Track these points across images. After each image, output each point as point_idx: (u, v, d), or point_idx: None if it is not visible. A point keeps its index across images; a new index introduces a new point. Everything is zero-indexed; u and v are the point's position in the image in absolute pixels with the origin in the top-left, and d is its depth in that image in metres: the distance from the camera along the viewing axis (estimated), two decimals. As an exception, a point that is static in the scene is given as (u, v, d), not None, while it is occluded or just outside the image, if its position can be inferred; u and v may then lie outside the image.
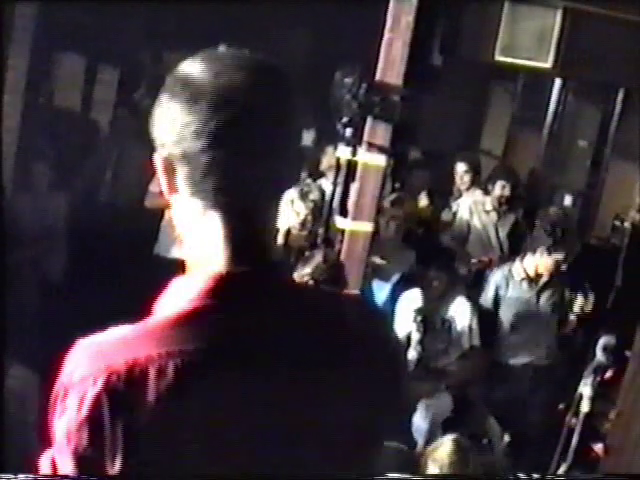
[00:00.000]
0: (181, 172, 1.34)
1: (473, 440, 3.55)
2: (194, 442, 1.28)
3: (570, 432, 4.02)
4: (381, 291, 5.68)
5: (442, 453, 3.42)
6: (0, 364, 3.30)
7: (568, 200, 7.64)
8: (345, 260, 4.51)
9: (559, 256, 5.26)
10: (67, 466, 1.31)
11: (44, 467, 1.35)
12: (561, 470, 4.00)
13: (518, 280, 5.42)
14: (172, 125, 1.32)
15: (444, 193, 7.23)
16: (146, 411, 1.26)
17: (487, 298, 5.50)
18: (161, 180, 1.38)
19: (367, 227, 4.90)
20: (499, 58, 6.77)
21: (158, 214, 5.71)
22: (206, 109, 1.30)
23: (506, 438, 5.10)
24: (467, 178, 6.89)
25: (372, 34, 4.72)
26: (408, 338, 5.13)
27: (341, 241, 4.83)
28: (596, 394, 4.01)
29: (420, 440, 5.00)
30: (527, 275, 5.39)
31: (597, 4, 6.20)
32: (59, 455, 1.32)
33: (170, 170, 1.35)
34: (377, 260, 5.60)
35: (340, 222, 4.87)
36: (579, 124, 8.00)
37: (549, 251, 5.24)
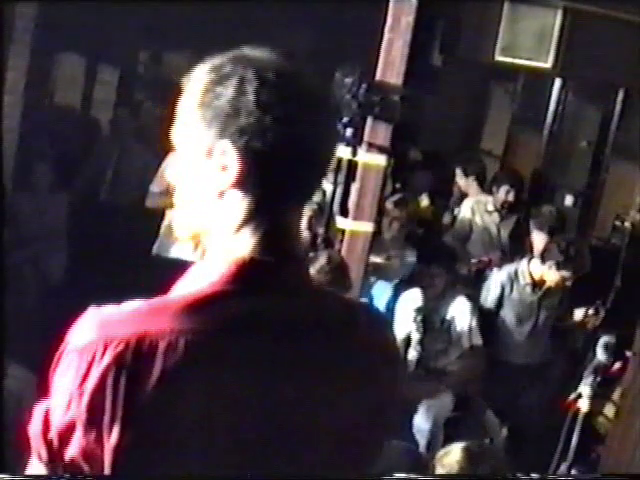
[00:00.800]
0: (236, 166, 1.32)
1: (481, 447, 3.54)
2: (194, 420, 1.27)
3: (570, 432, 4.02)
4: (383, 291, 5.68)
5: (451, 460, 3.41)
6: (0, 364, 3.30)
7: (568, 200, 7.63)
8: (346, 261, 4.51)
9: (567, 273, 5.26)
10: (62, 426, 1.30)
11: (37, 418, 1.34)
12: (561, 470, 4.00)
13: (523, 284, 5.42)
14: (246, 117, 1.30)
15: (445, 194, 7.23)
16: (151, 384, 1.24)
17: (491, 297, 5.48)
18: (214, 173, 1.33)
19: (367, 227, 4.90)
20: (499, 58, 6.76)
21: (158, 214, 5.71)
22: (284, 103, 1.30)
23: (504, 432, 5.10)
24: (463, 182, 6.90)
25: (372, 34, 4.72)
26: (408, 338, 5.13)
27: (341, 241, 4.83)
28: (596, 394, 4.01)
29: (422, 441, 5.00)
30: (532, 280, 5.39)
31: (597, 4, 6.20)
32: (55, 413, 1.31)
33: (236, 163, 1.31)
34: (379, 260, 5.61)
35: (340, 222, 4.87)
36: (579, 124, 7.98)
37: (558, 266, 5.24)
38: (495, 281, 5.52)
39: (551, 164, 7.86)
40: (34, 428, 1.34)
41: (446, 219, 6.92)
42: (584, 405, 3.97)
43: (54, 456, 1.31)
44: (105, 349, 1.26)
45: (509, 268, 5.54)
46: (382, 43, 4.62)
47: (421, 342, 5.17)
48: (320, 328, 1.37)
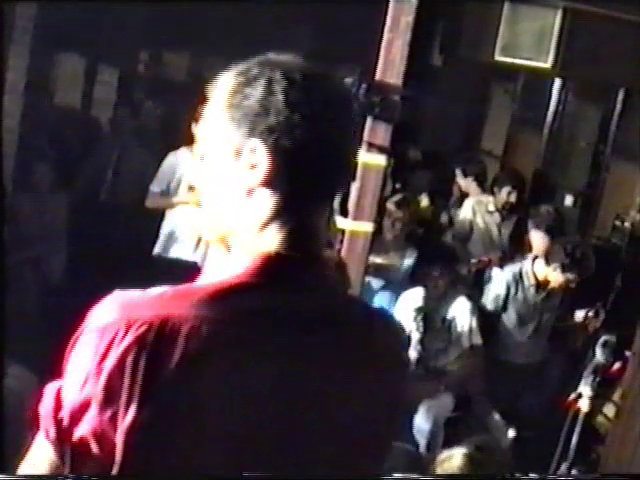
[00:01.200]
0: (265, 164, 1.35)
1: (482, 452, 3.52)
2: (208, 407, 1.29)
3: (570, 432, 4.02)
4: (385, 291, 5.69)
5: (452, 465, 3.40)
6: (0, 364, 3.30)
7: (568, 200, 7.63)
8: (345, 260, 4.51)
9: (572, 276, 5.25)
10: (75, 405, 1.30)
11: (48, 396, 1.35)
12: (561, 470, 4.00)
13: (527, 285, 5.41)
14: (275, 115, 1.33)
15: (445, 194, 7.23)
16: (170, 367, 1.26)
17: (495, 297, 5.45)
18: (243, 172, 1.36)
19: (367, 227, 4.89)
20: (499, 58, 6.77)
21: (158, 214, 5.71)
22: (311, 103, 1.34)
23: (511, 433, 5.07)
24: (463, 183, 6.90)
25: (372, 34, 4.72)
26: (408, 337, 5.12)
27: (341, 241, 4.83)
28: (596, 394, 4.01)
29: (422, 441, 5.00)
30: (537, 281, 5.39)
31: (597, 4, 6.20)
32: (69, 392, 1.32)
33: (266, 161, 1.35)
34: (380, 261, 5.61)
35: (340, 222, 4.87)
36: (579, 124, 7.98)
37: (563, 268, 5.23)
38: (500, 281, 5.51)
39: (551, 164, 7.86)
40: (45, 406, 1.35)
41: (444, 219, 6.92)
42: (584, 405, 3.97)
43: (63, 435, 1.32)
44: (127, 329, 1.27)
45: (513, 268, 5.53)
46: (382, 43, 4.62)
47: (421, 341, 5.18)
48: (337, 327, 1.40)
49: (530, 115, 8.25)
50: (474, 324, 5.29)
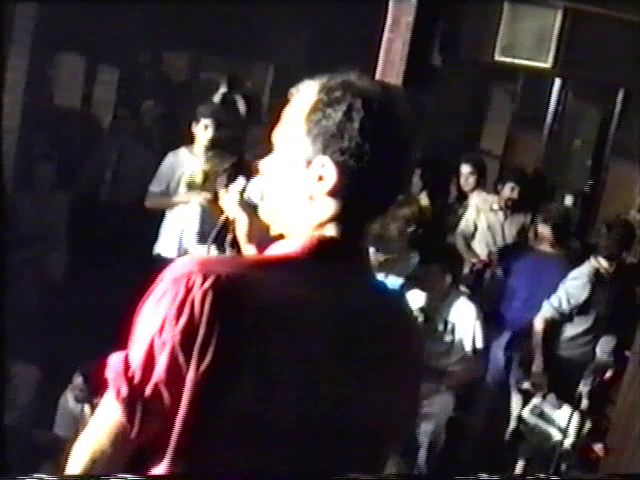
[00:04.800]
0: (333, 179, 1.49)
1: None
2: (269, 355, 1.40)
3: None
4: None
5: None
6: (0, 364, 3.31)
7: (568, 200, 7.63)
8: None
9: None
10: (149, 352, 1.39)
11: (116, 361, 1.43)
12: (561, 470, 4.01)
13: (607, 280, 5.32)
14: (349, 140, 1.47)
15: (445, 194, 7.23)
16: (242, 318, 1.38)
17: (576, 299, 5.31)
18: (310, 181, 1.50)
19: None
20: (499, 58, 6.77)
21: (158, 214, 5.71)
22: (380, 127, 1.48)
23: (588, 424, 4.86)
24: (472, 179, 6.87)
25: (372, 34, 4.73)
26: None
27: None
28: (596, 394, 4.01)
29: (424, 442, 4.99)
30: (610, 275, 5.33)
31: (597, 4, 6.21)
32: (143, 341, 1.40)
33: (335, 174, 1.48)
34: (382, 259, 5.59)
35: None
36: (579, 124, 7.99)
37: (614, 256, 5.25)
38: (581, 290, 5.32)
39: (551, 164, 7.87)
40: (114, 369, 1.43)
41: (449, 219, 6.90)
42: (584, 405, 3.98)
43: (135, 391, 1.40)
44: (205, 279, 1.38)
45: (587, 272, 5.35)
46: (382, 43, 4.63)
47: (421, 342, 5.14)
48: (373, 313, 1.54)
49: (530, 115, 8.26)
50: (478, 328, 5.25)
